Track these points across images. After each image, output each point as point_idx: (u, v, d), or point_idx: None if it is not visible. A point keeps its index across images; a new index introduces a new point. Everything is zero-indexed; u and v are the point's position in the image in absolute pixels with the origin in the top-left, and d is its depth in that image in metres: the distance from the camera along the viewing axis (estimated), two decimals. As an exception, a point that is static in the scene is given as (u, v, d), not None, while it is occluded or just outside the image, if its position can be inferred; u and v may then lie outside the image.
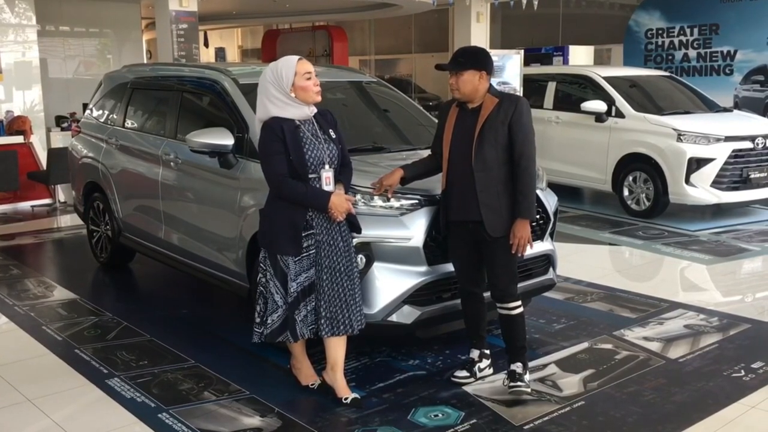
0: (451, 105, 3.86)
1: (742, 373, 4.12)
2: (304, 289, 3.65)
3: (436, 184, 3.97)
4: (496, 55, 10.19)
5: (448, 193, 3.80)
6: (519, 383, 3.76)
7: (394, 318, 3.95)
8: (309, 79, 3.59)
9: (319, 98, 3.66)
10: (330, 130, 3.71)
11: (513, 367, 3.82)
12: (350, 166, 3.82)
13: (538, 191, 4.43)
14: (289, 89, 3.58)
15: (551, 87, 9.55)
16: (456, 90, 3.72)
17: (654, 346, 4.52)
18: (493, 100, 3.70)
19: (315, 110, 3.69)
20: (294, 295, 3.63)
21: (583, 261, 6.61)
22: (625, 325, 4.90)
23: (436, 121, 5.55)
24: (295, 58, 3.65)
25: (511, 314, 3.79)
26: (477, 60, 3.71)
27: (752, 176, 7.92)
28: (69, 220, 8.64)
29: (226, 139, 4.48)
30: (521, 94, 9.60)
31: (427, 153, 4.30)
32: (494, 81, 9.70)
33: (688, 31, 12.68)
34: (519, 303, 3.81)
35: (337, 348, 3.72)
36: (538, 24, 17.58)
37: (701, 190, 7.78)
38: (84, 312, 5.31)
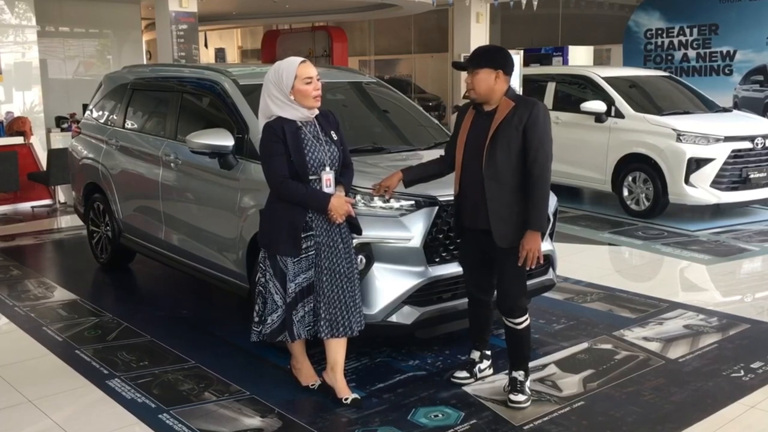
0: (468, 108, 3.72)
1: (742, 372, 4.13)
2: (302, 290, 3.65)
3: (435, 185, 3.98)
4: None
5: (461, 198, 3.70)
6: (519, 397, 3.70)
7: (394, 318, 3.96)
8: (309, 83, 3.58)
9: (317, 103, 3.63)
10: (332, 132, 3.71)
11: (515, 374, 3.76)
12: (351, 167, 3.82)
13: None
14: (288, 91, 3.58)
15: (551, 87, 9.55)
16: (471, 89, 3.57)
17: (653, 346, 4.52)
18: (508, 104, 3.53)
19: (316, 112, 3.69)
20: (292, 295, 3.64)
21: (583, 261, 6.62)
22: (625, 325, 4.90)
23: (436, 121, 5.61)
24: (298, 60, 3.63)
25: (517, 328, 3.68)
26: (494, 59, 3.55)
27: (752, 176, 7.93)
28: (69, 221, 8.64)
29: (226, 140, 4.48)
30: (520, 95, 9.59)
31: (426, 153, 4.31)
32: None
33: (687, 31, 12.69)
34: (526, 317, 3.68)
35: (337, 349, 3.72)
36: (538, 24, 17.60)
37: (701, 190, 7.79)
38: (84, 313, 5.31)
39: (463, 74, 3.73)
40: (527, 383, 3.78)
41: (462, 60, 3.68)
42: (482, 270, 3.78)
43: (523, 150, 3.50)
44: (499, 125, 3.51)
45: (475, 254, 3.76)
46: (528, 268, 3.58)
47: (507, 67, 3.58)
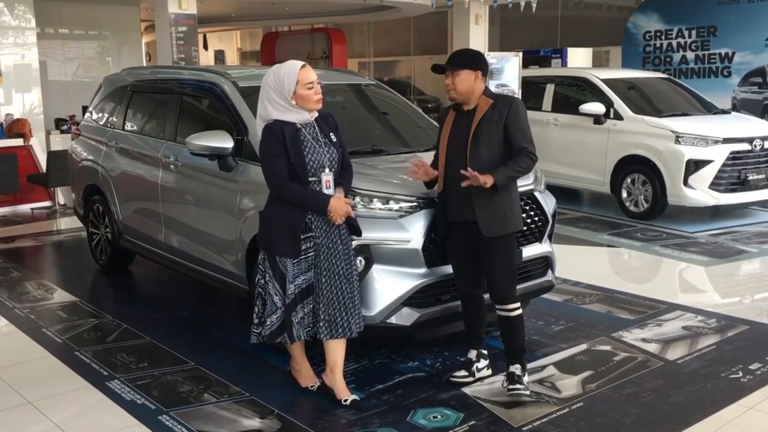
0: (450, 110, 3.89)
1: (740, 374, 4.13)
2: (301, 291, 3.66)
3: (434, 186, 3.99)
4: (494, 57, 10.23)
5: (445, 194, 3.81)
6: (518, 386, 3.77)
7: (393, 320, 3.96)
8: (311, 88, 3.60)
9: (319, 106, 3.67)
10: (331, 134, 3.72)
11: (512, 369, 3.82)
12: (351, 169, 3.83)
13: (536, 193, 4.46)
14: (290, 96, 3.60)
15: (550, 89, 9.57)
16: (453, 89, 3.74)
17: (652, 348, 4.53)
18: (487, 101, 3.74)
19: (316, 114, 3.70)
20: (291, 297, 3.64)
21: (582, 263, 6.63)
22: (624, 326, 4.91)
23: (435, 123, 5.61)
24: (298, 66, 3.63)
25: (510, 316, 3.79)
26: (472, 60, 3.76)
27: (750, 178, 7.93)
28: (69, 223, 8.64)
29: (226, 142, 4.49)
30: (520, 96, 9.61)
31: (425, 155, 4.29)
32: (493, 83, 9.75)
33: (686, 33, 12.70)
34: (518, 305, 3.82)
35: (336, 350, 3.73)
36: (537, 26, 17.62)
37: (699, 192, 7.80)
38: (84, 314, 5.32)
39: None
40: (525, 377, 3.82)
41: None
42: (471, 264, 3.85)
43: (505, 143, 3.69)
44: (480, 121, 3.69)
45: (464, 249, 3.84)
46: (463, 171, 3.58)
47: (484, 69, 3.82)
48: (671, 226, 7.92)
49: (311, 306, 3.68)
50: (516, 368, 3.81)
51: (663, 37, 13.02)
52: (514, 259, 3.80)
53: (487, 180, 3.56)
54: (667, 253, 6.90)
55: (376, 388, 3.96)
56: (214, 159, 4.57)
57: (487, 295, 3.90)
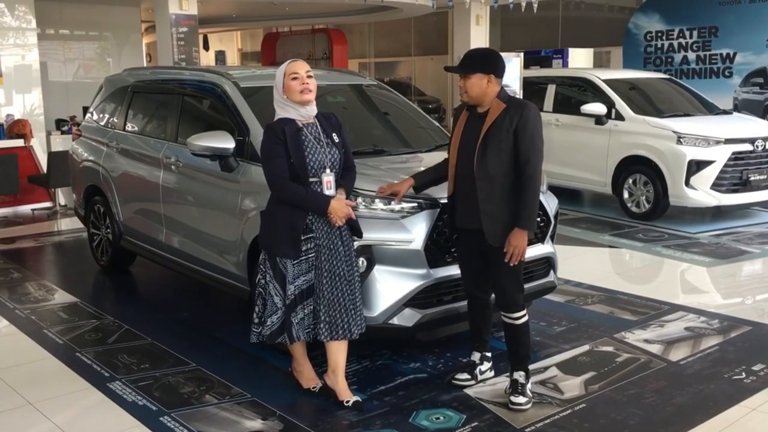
0: (463, 109, 3.78)
1: (743, 375, 4.12)
2: (301, 292, 3.65)
3: (436, 187, 3.98)
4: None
5: (454, 199, 3.76)
6: (520, 398, 3.70)
7: (395, 321, 3.95)
8: (294, 79, 3.59)
9: (305, 98, 3.60)
10: (333, 134, 3.71)
11: (516, 375, 3.76)
12: (354, 170, 3.82)
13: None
14: (282, 90, 3.63)
15: (551, 90, 9.56)
16: (464, 93, 3.64)
17: (655, 349, 4.52)
18: (500, 106, 3.59)
19: (315, 111, 3.69)
20: (291, 297, 3.64)
21: (584, 263, 6.62)
22: (626, 327, 4.90)
23: (436, 123, 5.62)
24: (290, 60, 3.71)
25: (516, 324, 3.71)
26: (484, 63, 3.60)
27: (752, 178, 7.93)
28: (69, 224, 8.64)
29: (227, 143, 4.49)
30: (521, 97, 9.60)
31: (426, 155, 4.29)
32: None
33: (687, 33, 12.69)
34: (524, 312, 3.72)
35: (338, 351, 3.72)
36: (538, 27, 17.62)
37: (701, 193, 7.79)
38: (85, 315, 5.31)
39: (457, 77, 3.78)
40: (528, 385, 3.78)
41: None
42: (479, 268, 3.80)
43: (514, 151, 3.56)
44: (490, 127, 3.58)
45: (471, 253, 3.79)
46: (512, 265, 3.61)
47: (498, 71, 3.63)
48: (673, 227, 7.91)
49: (312, 307, 3.68)
50: (520, 375, 3.76)
51: (664, 38, 13.00)
52: (522, 267, 3.71)
53: (521, 238, 3.52)
54: (668, 254, 6.89)
55: (378, 390, 3.95)
56: (216, 159, 4.57)
57: (494, 296, 3.87)
